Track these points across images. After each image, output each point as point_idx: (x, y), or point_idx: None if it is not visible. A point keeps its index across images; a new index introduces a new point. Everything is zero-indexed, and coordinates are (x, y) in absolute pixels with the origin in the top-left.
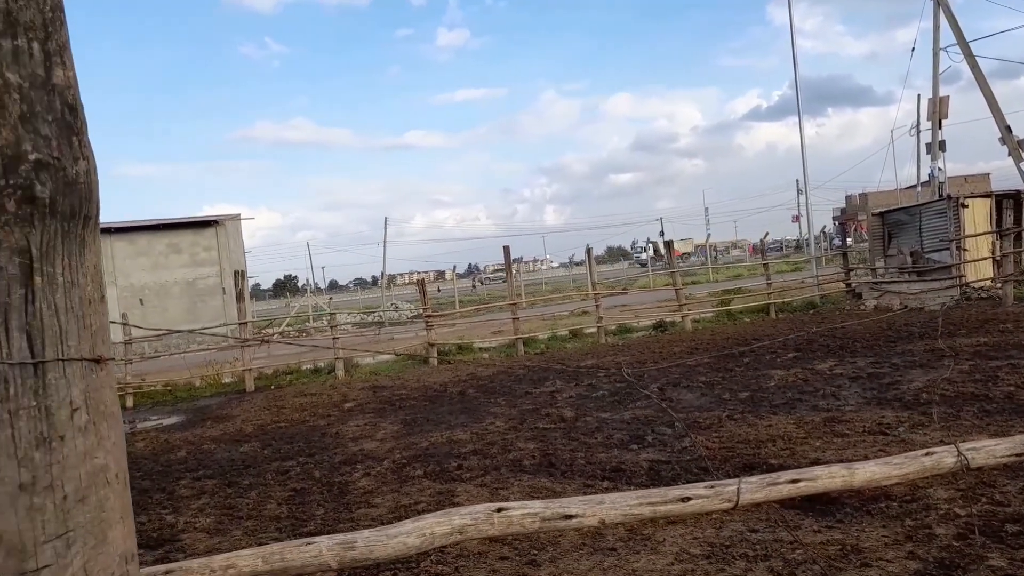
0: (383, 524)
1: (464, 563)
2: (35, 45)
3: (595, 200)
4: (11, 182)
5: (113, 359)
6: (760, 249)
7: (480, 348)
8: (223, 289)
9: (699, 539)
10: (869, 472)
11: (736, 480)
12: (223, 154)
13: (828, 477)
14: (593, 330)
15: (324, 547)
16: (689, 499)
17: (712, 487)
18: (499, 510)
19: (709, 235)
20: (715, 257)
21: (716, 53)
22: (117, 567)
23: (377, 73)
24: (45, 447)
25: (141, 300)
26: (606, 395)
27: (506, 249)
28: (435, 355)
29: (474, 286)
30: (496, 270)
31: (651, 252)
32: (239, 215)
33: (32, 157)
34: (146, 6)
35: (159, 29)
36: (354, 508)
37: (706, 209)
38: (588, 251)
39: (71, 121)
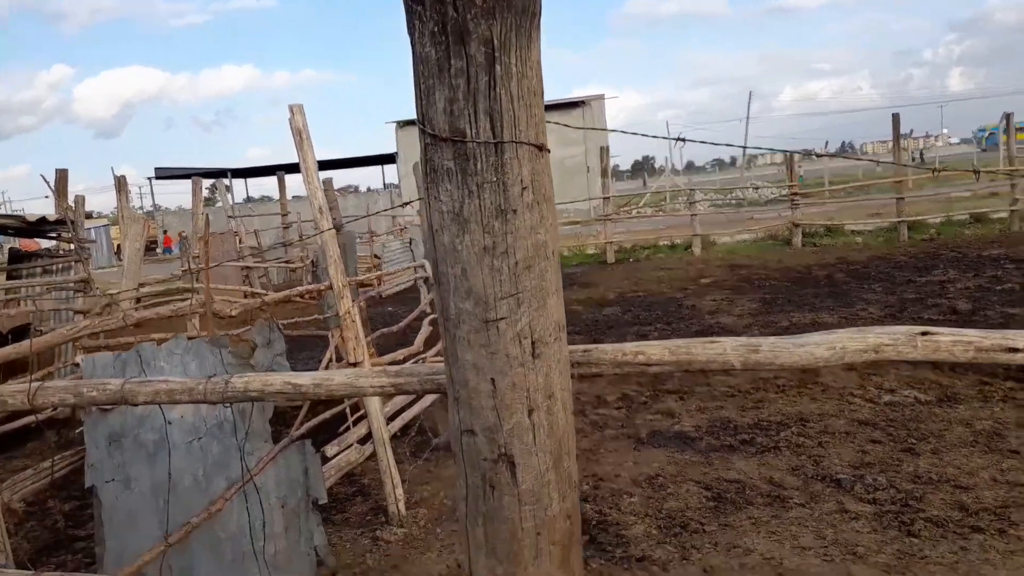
0: (739, 392)
1: (828, 439)
2: None
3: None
4: None
5: (550, 150)
6: None
7: (852, 231)
8: (587, 168)
9: None
10: None
11: None
12: (597, 36)
13: None
14: (1003, 215)
15: (728, 347)
16: None
17: None
18: (924, 333)
19: None
20: None
21: None
22: (553, 331)
23: None
24: (502, 218)
25: None
26: (1016, 289)
27: (895, 117)
28: (799, 236)
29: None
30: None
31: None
32: (603, 95)
33: None
34: None
35: None
36: (710, 375)
37: None
38: (1007, 118)
39: None
